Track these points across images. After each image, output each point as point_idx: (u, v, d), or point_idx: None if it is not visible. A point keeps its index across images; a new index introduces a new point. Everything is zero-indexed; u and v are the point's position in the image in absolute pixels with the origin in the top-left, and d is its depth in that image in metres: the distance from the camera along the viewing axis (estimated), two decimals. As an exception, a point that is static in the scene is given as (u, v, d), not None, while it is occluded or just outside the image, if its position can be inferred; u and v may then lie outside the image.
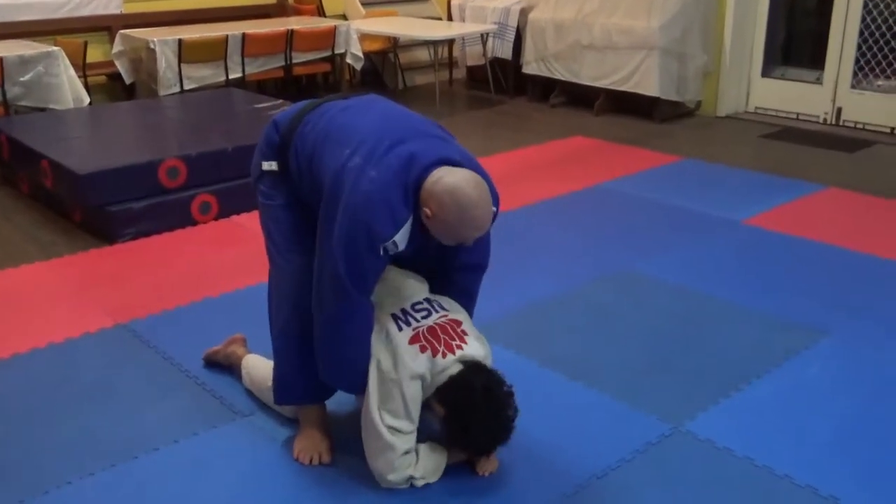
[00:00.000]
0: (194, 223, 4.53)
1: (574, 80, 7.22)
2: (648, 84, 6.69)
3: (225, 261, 3.99)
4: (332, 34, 7.12)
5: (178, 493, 2.37)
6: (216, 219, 4.57)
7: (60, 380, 3.00)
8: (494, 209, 2.19)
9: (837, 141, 6.11)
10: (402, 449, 2.27)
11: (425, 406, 2.29)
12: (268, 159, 2.43)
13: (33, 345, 3.24)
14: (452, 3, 8.17)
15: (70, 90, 5.86)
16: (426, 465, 2.34)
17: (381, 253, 2.14)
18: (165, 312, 3.47)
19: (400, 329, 2.30)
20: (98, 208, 4.38)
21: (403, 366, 2.23)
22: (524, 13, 7.52)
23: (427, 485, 2.35)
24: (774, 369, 2.96)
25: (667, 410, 2.71)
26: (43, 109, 5.78)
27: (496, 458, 2.43)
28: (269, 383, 2.62)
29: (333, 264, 2.16)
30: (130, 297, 3.64)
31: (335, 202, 2.16)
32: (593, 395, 2.82)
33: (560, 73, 7.30)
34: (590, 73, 7.07)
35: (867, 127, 6.31)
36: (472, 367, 2.26)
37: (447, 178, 2.09)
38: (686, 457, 2.48)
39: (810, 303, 3.45)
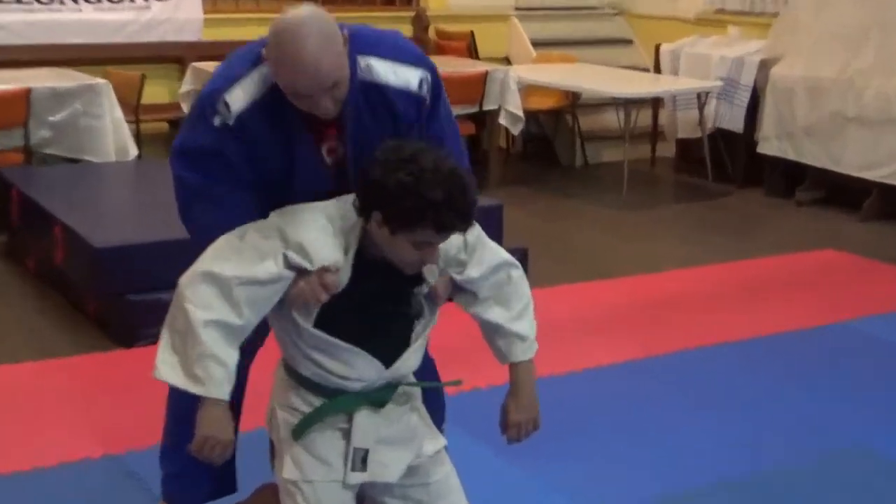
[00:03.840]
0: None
1: (833, 167, 7.16)
2: (946, 180, 6.54)
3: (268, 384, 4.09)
4: (480, 83, 7.32)
5: None
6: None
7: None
8: (426, 73, 2.57)
9: None
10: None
11: None
12: None
13: (-9, 472, 3.43)
14: (662, 48, 8.34)
15: (113, 138, 6.20)
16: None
17: (216, 123, 2.47)
18: (176, 445, 3.60)
19: None
20: (116, 296, 4.59)
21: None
22: (764, 67, 7.56)
23: None
24: None
25: None
26: (76, 161, 6.17)
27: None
28: None
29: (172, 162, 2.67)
30: (135, 420, 3.76)
31: None
32: None
33: (813, 156, 7.27)
34: (857, 160, 6.99)
35: None
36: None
37: (284, 15, 2.40)
38: None
39: None
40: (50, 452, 3.58)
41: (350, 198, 2.52)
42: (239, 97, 2.47)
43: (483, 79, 7.36)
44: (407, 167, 2.38)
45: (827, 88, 7.12)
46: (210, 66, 7.01)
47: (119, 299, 4.60)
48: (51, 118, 6.14)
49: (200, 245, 2.57)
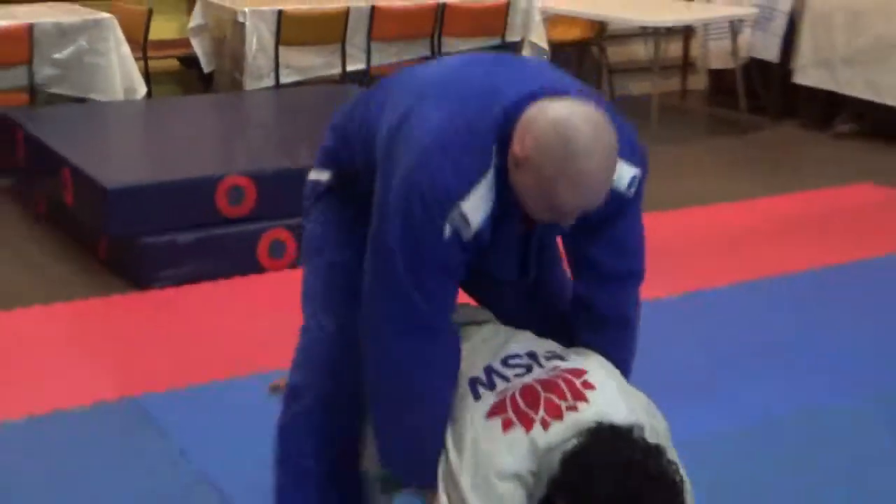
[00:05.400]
0: (261, 270, 4.81)
1: (875, 97, 7.20)
2: None
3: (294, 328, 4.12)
4: (503, 13, 7.32)
5: None
6: (293, 266, 4.71)
7: (28, 465, 3.27)
8: (638, 171, 2.24)
9: None
10: None
11: None
12: (320, 168, 2.51)
13: (4, 416, 3.53)
14: (693, -27, 8.28)
15: (120, 76, 6.25)
16: None
17: (449, 234, 2.10)
18: (194, 388, 3.71)
19: (477, 397, 2.20)
20: (128, 239, 4.73)
21: (480, 461, 2.10)
22: (802, -9, 7.54)
23: None
24: None
25: None
26: (82, 100, 6.26)
27: None
28: None
29: (385, 263, 2.16)
30: (152, 362, 3.91)
31: (385, 184, 2.18)
32: None
33: (853, 86, 7.29)
34: (901, 89, 6.95)
35: None
36: (596, 434, 2.06)
37: (556, 108, 2.05)
38: None
39: None
40: (63, 395, 3.66)
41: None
42: (477, 208, 2.11)
43: (505, 8, 7.34)
44: (616, 485, 1.97)
45: (870, 12, 7.10)
46: (217, 0, 7.01)
47: (132, 241, 4.71)
48: (55, 55, 6.17)
49: (380, 389, 2.26)
